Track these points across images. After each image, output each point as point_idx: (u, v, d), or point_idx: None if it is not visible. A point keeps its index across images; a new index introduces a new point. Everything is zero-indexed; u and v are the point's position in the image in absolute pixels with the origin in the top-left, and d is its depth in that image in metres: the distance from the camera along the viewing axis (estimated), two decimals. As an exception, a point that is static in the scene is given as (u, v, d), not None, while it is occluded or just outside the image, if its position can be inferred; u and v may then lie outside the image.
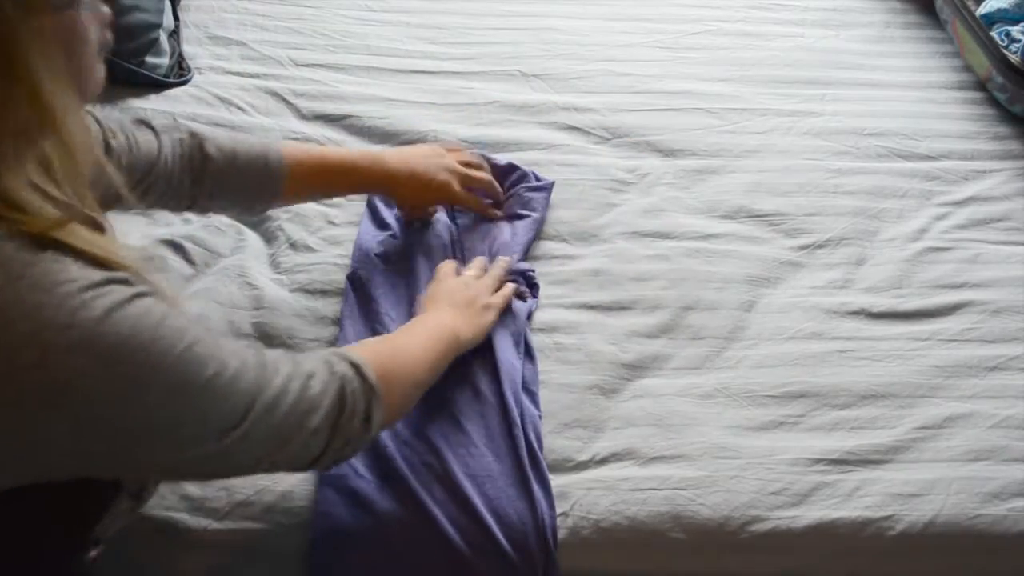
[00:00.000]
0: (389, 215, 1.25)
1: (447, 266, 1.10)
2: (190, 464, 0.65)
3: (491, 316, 1.05)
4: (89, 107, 0.64)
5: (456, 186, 1.17)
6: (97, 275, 0.58)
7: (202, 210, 1.07)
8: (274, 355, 0.72)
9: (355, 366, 0.78)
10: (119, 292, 0.58)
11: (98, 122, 0.90)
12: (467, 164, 1.21)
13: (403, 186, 1.13)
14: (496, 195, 1.25)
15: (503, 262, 1.15)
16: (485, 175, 1.23)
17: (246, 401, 0.65)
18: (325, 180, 1.09)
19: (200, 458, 0.64)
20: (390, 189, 1.15)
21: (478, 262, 1.14)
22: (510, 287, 1.12)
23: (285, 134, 1.39)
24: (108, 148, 0.91)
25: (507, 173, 1.31)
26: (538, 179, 1.31)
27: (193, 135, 1.00)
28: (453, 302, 1.02)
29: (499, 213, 1.25)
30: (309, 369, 0.73)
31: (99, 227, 0.64)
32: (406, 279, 1.16)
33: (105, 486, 0.69)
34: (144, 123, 0.98)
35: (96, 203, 0.65)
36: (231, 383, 0.64)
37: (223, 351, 0.64)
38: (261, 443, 0.68)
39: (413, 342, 0.91)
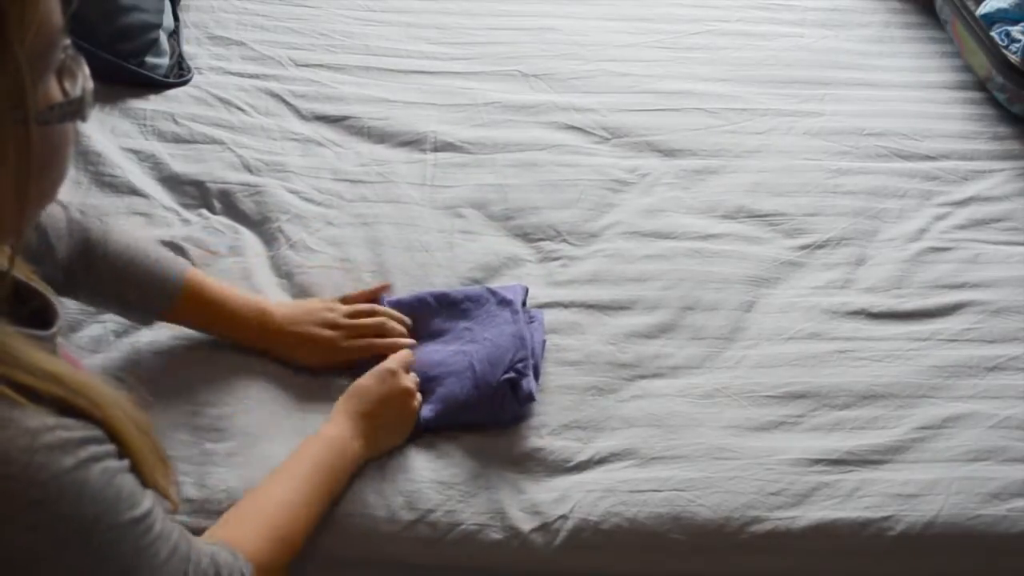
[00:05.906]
0: None
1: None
2: None
3: (413, 405, 1.02)
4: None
5: (342, 343, 1.07)
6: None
7: (86, 303, 1.06)
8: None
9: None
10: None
11: None
12: (357, 315, 1.10)
13: (282, 344, 1.07)
14: (393, 330, 1.11)
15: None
16: (374, 320, 1.11)
17: None
18: (208, 320, 1.05)
19: None
20: (271, 346, 1.08)
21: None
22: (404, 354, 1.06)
23: (285, 134, 1.39)
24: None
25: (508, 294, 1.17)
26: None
27: (87, 239, 0.97)
28: (362, 410, 0.98)
29: (410, 342, 1.11)
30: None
31: None
32: None
33: None
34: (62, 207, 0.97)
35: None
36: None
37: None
38: None
39: (287, 495, 0.88)
